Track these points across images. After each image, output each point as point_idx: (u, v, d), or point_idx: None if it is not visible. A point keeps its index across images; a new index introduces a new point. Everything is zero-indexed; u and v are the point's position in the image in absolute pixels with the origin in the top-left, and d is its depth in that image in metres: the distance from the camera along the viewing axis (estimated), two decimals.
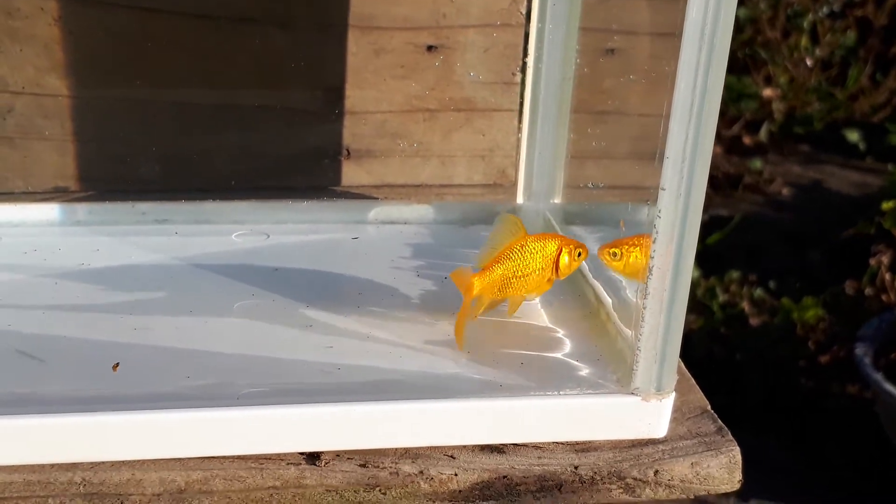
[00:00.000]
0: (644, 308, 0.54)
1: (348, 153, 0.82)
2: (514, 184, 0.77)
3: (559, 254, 0.62)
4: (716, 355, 1.98)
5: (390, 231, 0.76)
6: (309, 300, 0.65)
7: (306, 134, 0.81)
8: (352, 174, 0.82)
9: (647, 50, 0.75)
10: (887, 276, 1.98)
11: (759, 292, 2.16)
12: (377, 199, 0.81)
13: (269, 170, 0.81)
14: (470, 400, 0.55)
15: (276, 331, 0.62)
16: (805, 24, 2.99)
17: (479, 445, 0.55)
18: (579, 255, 0.62)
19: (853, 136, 2.93)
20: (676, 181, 0.51)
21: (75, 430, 0.52)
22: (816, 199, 2.71)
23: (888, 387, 1.61)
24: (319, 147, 0.81)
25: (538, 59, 0.73)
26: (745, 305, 2.11)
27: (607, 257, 0.62)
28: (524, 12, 0.79)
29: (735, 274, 2.19)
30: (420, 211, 0.77)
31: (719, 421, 0.58)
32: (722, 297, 2.12)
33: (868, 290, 2.02)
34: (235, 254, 0.72)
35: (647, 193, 0.73)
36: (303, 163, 0.82)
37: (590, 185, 0.71)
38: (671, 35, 0.71)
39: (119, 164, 0.79)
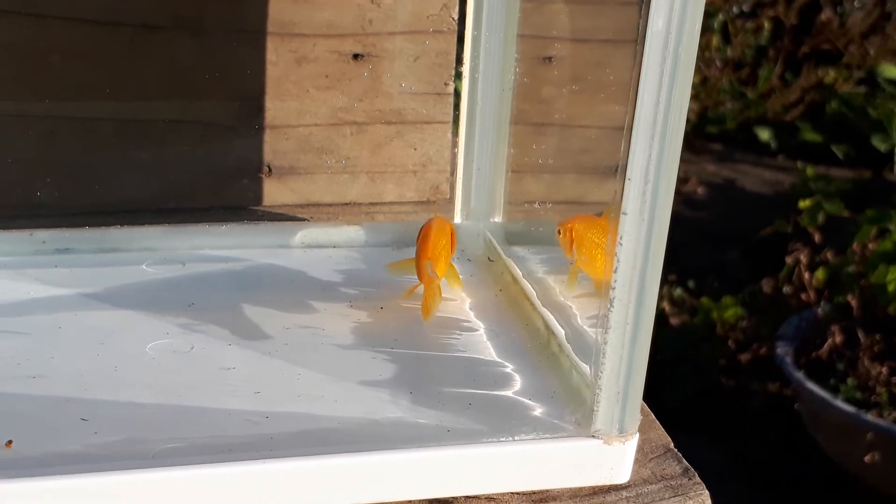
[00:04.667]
0: (605, 343, 0.49)
1: (269, 170, 0.76)
2: (451, 202, 0.72)
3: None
4: None
5: (318, 256, 0.70)
6: (230, 338, 0.59)
7: (223, 150, 0.75)
8: (274, 193, 0.76)
9: (591, 57, 0.71)
10: (806, 275, 1.99)
11: (678, 292, 2.16)
12: (303, 220, 0.75)
13: (183, 190, 0.74)
14: (416, 450, 0.50)
15: (195, 375, 0.56)
16: (716, 25, 3.02)
17: (427, 500, 0.50)
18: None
19: (765, 134, 2.97)
20: (639, 204, 0.47)
21: None
22: (731, 198, 2.73)
23: (810, 385, 1.61)
24: (238, 164, 0.75)
25: (474, 69, 0.68)
26: (666, 305, 2.11)
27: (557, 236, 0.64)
28: (456, 18, 0.74)
29: None
30: (350, 233, 0.72)
31: (684, 461, 0.54)
32: None
33: (786, 289, 2.03)
34: (147, 286, 0.65)
35: (594, 209, 0.69)
36: (220, 182, 0.75)
37: (536, 204, 0.66)
38: (616, 42, 0.67)
39: (13, 188, 0.72)
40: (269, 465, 0.48)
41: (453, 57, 0.75)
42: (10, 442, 0.49)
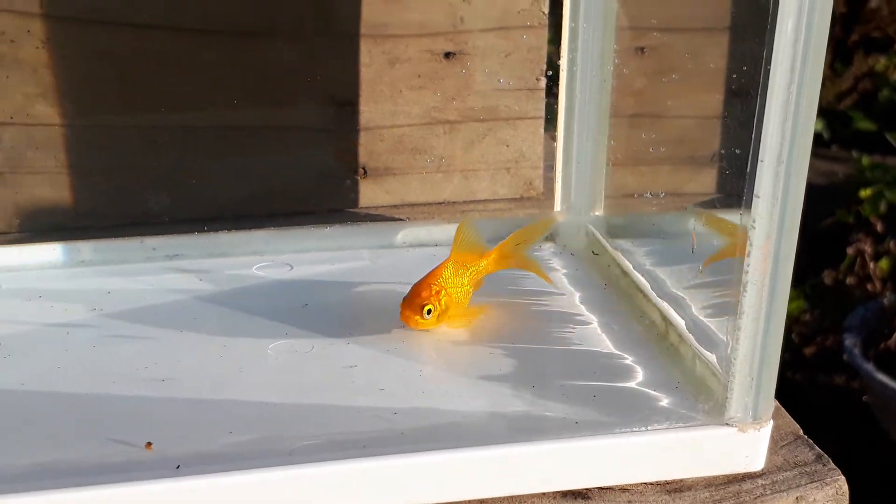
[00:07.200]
0: (738, 329, 0.49)
1: (365, 172, 0.76)
2: (549, 197, 0.72)
3: None
4: None
5: (422, 254, 0.70)
6: (348, 336, 0.60)
7: (320, 153, 0.75)
8: (370, 194, 0.76)
9: (684, 47, 0.71)
10: (871, 265, 1.96)
11: None
12: (402, 220, 0.75)
13: (282, 194, 0.75)
14: (547, 442, 0.49)
15: (319, 373, 0.56)
16: None
17: (560, 492, 0.50)
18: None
19: (817, 124, 2.93)
20: (771, 186, 0.46)
21: None
22: None
23: (880, 377, 1.58)
24: (334, 167, 0.75)
25: (572, 62, 0.68)
26: None
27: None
28: (547, 12, 0.74)
29: None
30: (450, 231, 0.71)
31: (817, 448, 0.53)
32: None
33: (849, 280, 1.99)
34: (259, 289, 0.66)
35: (691, 199, 0.68)
36: (317, 184, 0.76)
37: (647, 194, 0.66)
38: (716, 30, 0.66)
39: (121, 197, 0.73)
40: (405, 460, 0.48)
41: (545, 52, 0.75)
42: (149, 444, 0.49)
